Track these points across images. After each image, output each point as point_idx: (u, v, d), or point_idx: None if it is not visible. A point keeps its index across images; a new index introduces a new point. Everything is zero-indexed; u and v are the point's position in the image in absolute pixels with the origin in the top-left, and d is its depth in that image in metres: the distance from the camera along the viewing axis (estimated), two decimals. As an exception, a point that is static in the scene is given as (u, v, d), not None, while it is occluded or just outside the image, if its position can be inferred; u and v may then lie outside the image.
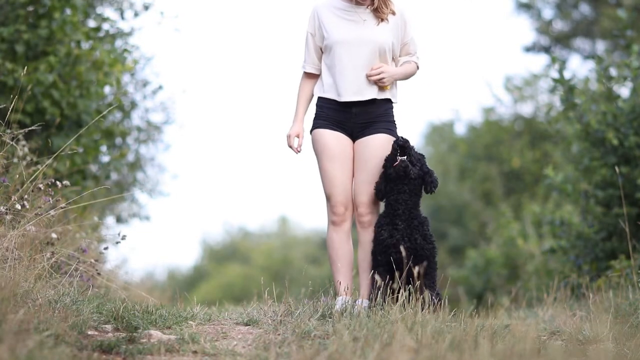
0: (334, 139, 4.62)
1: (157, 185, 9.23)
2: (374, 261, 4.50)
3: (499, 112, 16.75)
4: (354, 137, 4.65)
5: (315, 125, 4.68)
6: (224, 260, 27.02)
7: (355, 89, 4.62)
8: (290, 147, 4.74)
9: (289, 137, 4.70)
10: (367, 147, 4.61)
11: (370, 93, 4.63)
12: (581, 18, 17.20)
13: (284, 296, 4.54)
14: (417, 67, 4.77)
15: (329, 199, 4.62)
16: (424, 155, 4.65)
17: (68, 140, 6.22)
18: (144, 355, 3.49)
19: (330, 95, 4.67)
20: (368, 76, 4.56)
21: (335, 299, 4.49)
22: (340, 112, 4.63)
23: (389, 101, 4.70)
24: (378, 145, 4.61)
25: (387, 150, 4.56)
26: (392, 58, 4.70)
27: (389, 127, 4.66)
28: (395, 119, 4.72)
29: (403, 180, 4.49)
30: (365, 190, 4.61)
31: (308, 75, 4.76)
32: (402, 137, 4.49)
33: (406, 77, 4.72)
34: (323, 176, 4.63)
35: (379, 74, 4.55)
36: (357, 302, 4.46)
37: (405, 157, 4.46)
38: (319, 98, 4.72)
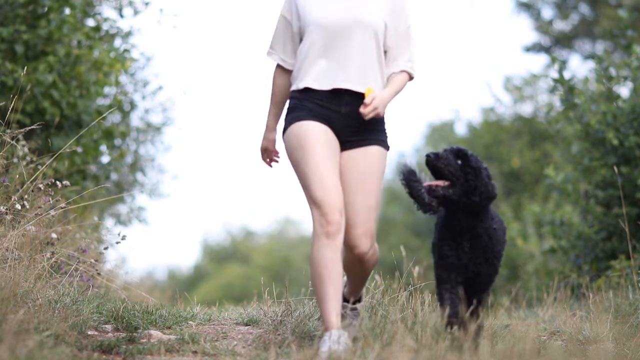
0: (321, 130, 3.66)
1: (157, 186, 9.23)
2: (439, 280, 3.70)
3: (499, 112, 16.75)
4: (341, 136, 3.72)
5: (295, 119, 3.69)
6: (224, 260, 27.02)
7: (344, 77, 3.70)
8: (264, 161, 3.95)
9: (261, 152, 3.93)
10: (361, 163, 3.72)
11: (368, 83, 3.71)
12: (581, 18, 17.20)
13: (284, 296, 4.53)
14: (411, 78, 3.84)
15: (319, 204, 3.57)
16: (476, 167, 3.66)
17: (68, 140, 6.22)
18: (144, 355, 3.49)
19: (315, 83, 3.70)
20: (363, 115, 3.63)
21: (324, 334, 3.51)
22: (327, 108, 3.69)
23: None
24: (375, 160, 3.74)
25: (381, 167, 3.79)
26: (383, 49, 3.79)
27: (384, 138, 3.79)
28: (386, 125, 3.86)
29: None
30: (364, 218, 3.70)
31: (281, 67, 3.86)
32: (430, 153, 3.64)
33: (397, 94, 3.81)
34: (308, 176, 3.61)
35: (374, 108, 3.64)
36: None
37: (434, 185, 3.61)
38: (296, 92, 3.75)
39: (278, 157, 3.94)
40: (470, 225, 3.64)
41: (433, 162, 3.63)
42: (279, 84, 3.85)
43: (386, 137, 3.81)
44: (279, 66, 3.85)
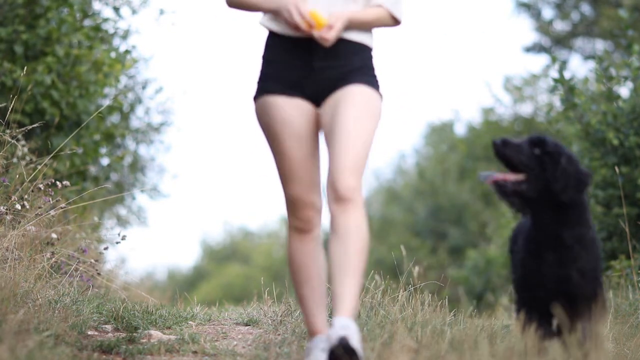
0: (293, 109, 3.10)
1: (156, 186, 9.24)
2: (518, 299, 3.15)
3: (499, 112, 16.76)
4: (319, 100, 3.11)
5: (264, 89, 3.13)
6: (224, 260, 27.03)
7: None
8: (298, 25, 3.03)
9: (290, 12, 3.03)
10: (342, 100, 3.04)
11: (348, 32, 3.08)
12: (581, 18, 17.20)
13: (284, 296, 4.53)
14: (394, 20, 3.15)
15: (289, 197, 3.13)
16: (553, 151, 2.98)
17: (68, 140, 6.22)
18: (144, 355, 3.49)
19: (282, 28, 3.11)
20: (322, 40, 3.00)
21: (310, 340, 3.14)
22: (296, 66, 3.09)
23: (365, 48, 3.14)
24: (359, 97, 3.05)
25: (372, 106, 3.07)
26: None
27: (371, 80, 3.12)
28: (377, 72, 3.19)
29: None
30: (348, 158, 2.98)
31: None
32: (498, 139, 3.01)
33: (370, 25, 3.13)
34: (279, 163, 3.13)
35: (331, 27, 3.00)
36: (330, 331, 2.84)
37: (502, 179, 2.94)
38: (269, 35, 3.16)
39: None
40: (556, 231, 2.94)
41: (500, 150, 2.94)
42: None
43: (375, 80, 3.14)
44: None
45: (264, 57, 3.18)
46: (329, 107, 3.07)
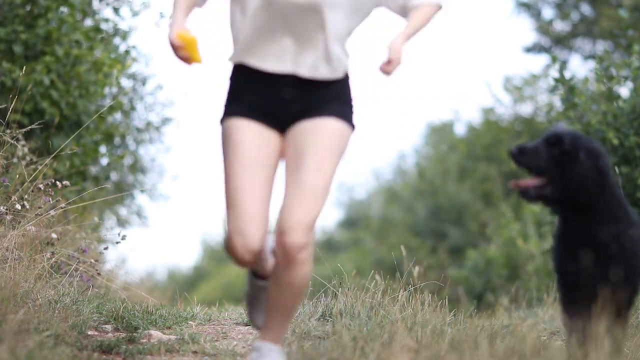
0: (254, 133, 2.92)
1: (156, 186, 9.24)
2: (562, 301, 3.06)
3: (499, 112, 16.76)
4: (285, 128, 2.96)
5: (229, 112, 2.97)
6: (224, 260, 27.00)
7: (291, 55, 2.92)
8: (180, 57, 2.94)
9: (174, 47, 2.92)
10: (310, 134, 2.89)
11: (321, 69, 2.92)
12: (581, 18, 17.20)
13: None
14: (438, 7, 3.10)
15: (232, 230, 2.86)
16: (569, 149, 2.84)
17: (67, 140, 6.22)
18: (144, 355, 3.49)
19: (251, 60, 2.95)
20: (385, 72, 2.93)
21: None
22: (264, 94, 2.93)
23: (341, 80, 2.97)
24: (330, 133, 2.90)
25: (338, 145, 2.91)
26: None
27: (344, 110, 2.95)
28: (352, 97, 3.01)
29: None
30: (303, 205, 2.82)
31: None
32: (514, 148, 2.89)
33: (421, 30, 3.06)
34: (229, 191, 2.89)
35: (398, 62, 2.92)
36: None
37: (523, 186, 2.85)
38: (234, 68, 3.03)
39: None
40: (587, 230, 2.82)
41: (518, 159, 2.86)
42: None
43: (350, 110, 2.98)
44: None
45: (231, 82, 3.04)
46: (294, 141, 2.92)
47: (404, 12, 3.06)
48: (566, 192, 2.80)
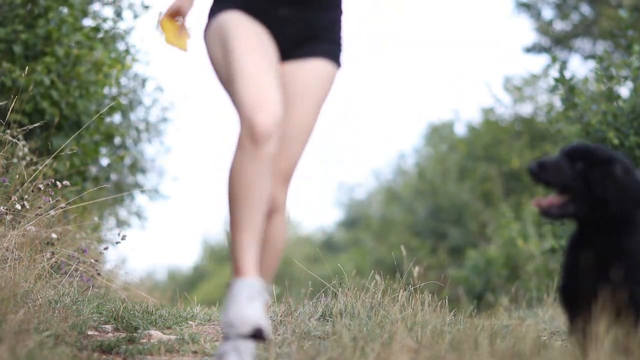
0: (253, 25, 2.75)
1: (157, 187, 9.24)
2: (569, 315, 2.87)
3: (499, 112, 16.76)
4: (280, 53, 2.83)
5: (217, 10, 2.81)
6: (224, 260, 27.02)
7: None
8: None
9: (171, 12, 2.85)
10: (301, 78, 2.83)
11: None
12: (581, 18, 17.21)
13: (284, 296, 4.53)
14: None
15: (246, 102, 2.63)
16: (601, 168, 2.67)
17: (68, 140, 6.23)
18: (144, 355, 3.49)
19: None
20: None
21: (233, 280, 2.83)
22: (261, 8, 2.78)
23: (338, 3, 2.87)
24: (321, 76, 2.84)
25: (326, 90, 2.87)
26: None
27: (335, 51, 2.88)
28: (342, 33, 2.91)
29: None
30: (285, 166, 2.83)
31: None
32: (533, 165, 2.70)
33: None
34: (235, 74, 2.67)
35: None
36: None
37: (547, 205, 2.69)
38: None
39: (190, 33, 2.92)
40: (615, 243, 2.66)
41: (538, 176, 2.69)
42: None
43: (339, 49, 2.89)
44: None
45: None
46: (288, 74, 2.81)
47: None
48: (592, 208, 2.65)
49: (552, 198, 2.70)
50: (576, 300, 2.73)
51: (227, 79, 2.73)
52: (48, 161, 5.06)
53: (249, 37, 2.71)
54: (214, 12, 2.82)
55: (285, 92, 2.79)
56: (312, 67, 2.82)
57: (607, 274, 2.64)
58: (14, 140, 4.76)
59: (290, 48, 2.82)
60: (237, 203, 2.74)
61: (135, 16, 7.55)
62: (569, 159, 2.68)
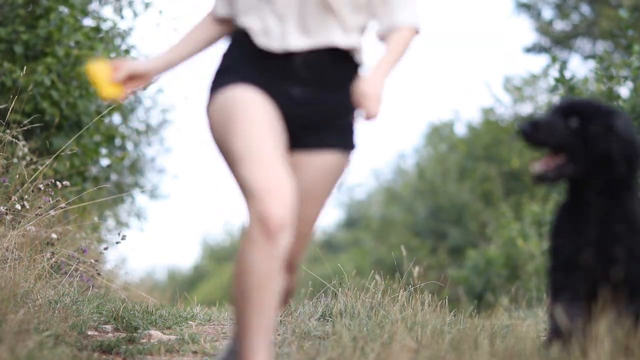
0: (262, 106, 2.47)
1: (157, 187, 9.24)
2: (552, 284, 2.61)
3: (499, 112, 16.77)
4: (289, 138, 2.56)
5: (219, 85, 2.54)
6: (224, 260, 27.01)
7: (301, 28, 2.50)
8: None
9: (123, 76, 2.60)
10: (313, 173, 2.58)
11: (331, 33, 2.51)
12: (581, 18, 17.21)
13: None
14: (417, 33, 2.61)
15: (254, 190, 2.35)
16: (604, 123, 2.43)
17: (68, 140, 6.22)
18: (144, 355, 3.49)
19: (260, 39, 2.51)
20: (367, 117, 2.47)
21: None
22: (268, 79, 2.51)
23: (355, 67, 2.59)
24: (334, 171, 2.61)
25: (339, 177, 2.63)
26: None
27: (350, 136, 2.61)
28: (355, 114, 2.62)
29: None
30: (307, 232, 2.64)
31: (216, 19, 2.68)
32: (524, 125, 2.46)
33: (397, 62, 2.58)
34: (239, 154, 2.41)
35: (370, 107, 2.45)
36: None
37: (543, 167, 2.46)
38: (232, 44, 2.61)
39: (141, 84, 2.68)
40: (604, 205, 2.45)
41: (531, 137, 2.44)
42: (202, 30, 2.68)
43: (352, 132, 2.62)
44: (212, 17, 2.69)
45: (222, 66, 2.60)
46: (299, 166, 2.57)
47: (385, 33, 2.61)
48: (592, 168, 2.40)
49: (547, 160, 2.46)
50: (576, 270, 2.48)
51: (232, 161, 2.45)
52: (48, 162, 5.06)
53: (258, 118, 2.44)
54: (218, 84, 2.54)
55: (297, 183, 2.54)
56: (324, 162, 2.58)
57: (607, 241, 2.44)
58: (14, 140, 4.76)
59: (301, 133, 2.55)
60: (248, 304, 2.41)
61: (136, 15, 7.54)
62: (563, 115, 2.43)
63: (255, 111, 2.46)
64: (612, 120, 2.42)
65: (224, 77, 2.55)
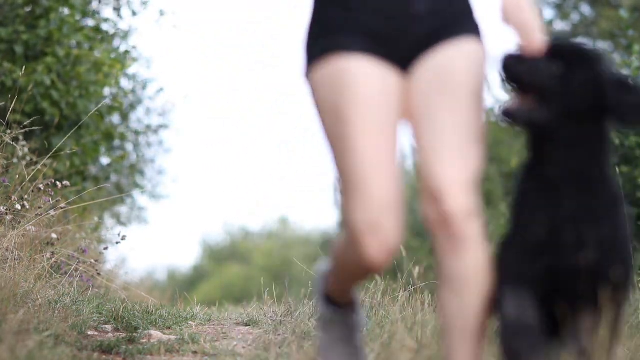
0: (378, 82, 2.10)
1: (156, 187, 9.24)
2: (505, 273, 2.10)
3: (499, 112, 16.78)
4: (407, 63, 2.14)
5: (331, 46, 2.12)
6: (224, 260, 27.04)
7: None
8: None
9: None
10: (437, 71, 2.11)
11: None
12: (581, 18, 17.22)
13: (284, 296, 4.53)
14: None
15: (362, 225, 2.05)
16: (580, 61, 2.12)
17: (68, 140, 6.23)
18: (144, 355, 3.49)
19: None
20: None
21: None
22: (385, 11, 2.11)
23: None
24: (469, 59, 2.14)
25: (479, 68, 2.18)
26: None
27: (474, 26, 2.19)
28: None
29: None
30: (454, 160, 2.05)
31: None
32: (510, 55, 2.15)
33: None
34: (349, 166, 2.08)
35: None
36: None
37: (514, 106, 2.16)
38: None
39: None
40: (579, 169, 2.10)
41: (511, 70, 2.14)
42: None
43: (479, 29, 2.21)
44: None
45: (330, 14, 2.15)
46: (429, 69, 2.12)
47: None
48: (570, 117, 2.08)
49: (519, 100, 2.18)
50: (541, 256, 2.06)
51: (337, 152, 2.11)
52: (45, 159, 5.06)
53: (374, 113, 2.07)
54: (324, 48, 2.13)
55: (429, 88, 2.11)
56: (453, 50, 2.13)
57: (586, 218, 2.08)
58: (13, 143, 4.76)
59: (424, 44, 2.14)
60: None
61: (134, 13, 7.54)
62: (549, 58, 2.14)
63: (371, 100, 2.08)
64: (601, 66, 2.13)
65: (327, 37, 2.14)
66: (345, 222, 2.10)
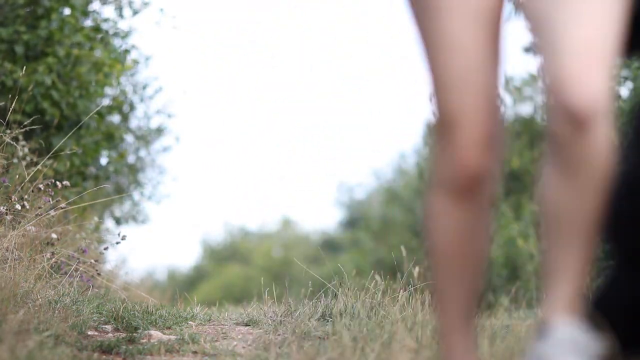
0: None
1: (157, 187, 9.25)
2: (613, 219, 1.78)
3: (499, 112, 16.79)
4: None
5: None
6: (224, 260, 27.05)
7: None
8: None
9: None
10: None
11: None
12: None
13: (284, 296, 4.53)
14: None
15: (449, 123, 1.92)
16: None
17: (68, 140, 6.23)
18: (144, 355, 3.49)
19: None
20: None
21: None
22: None
23: None
24: None
25: None
26: None
27: None
28: None
29: None
30: (582, 56, 1.75)
31: None
32: None
33: None
34: (435, 57, 1.90)
35: None
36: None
37: None
38: None
39: None
40: None
41: None
42: None
43: None
44: None
45: None
46: None
47: None
48: None
49: None
50: None
51: (426, 44, 1.91)
52: (45, 159, 5.06)
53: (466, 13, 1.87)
54: None
55: None
56: None
57: None
58: (13, 143, 4.76)
59: None
60: (448, 269, 1.97)
61: (135, 13, 7.55)
62: None
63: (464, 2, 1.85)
64: None
65: None
66: (439, 117, 1.90)
